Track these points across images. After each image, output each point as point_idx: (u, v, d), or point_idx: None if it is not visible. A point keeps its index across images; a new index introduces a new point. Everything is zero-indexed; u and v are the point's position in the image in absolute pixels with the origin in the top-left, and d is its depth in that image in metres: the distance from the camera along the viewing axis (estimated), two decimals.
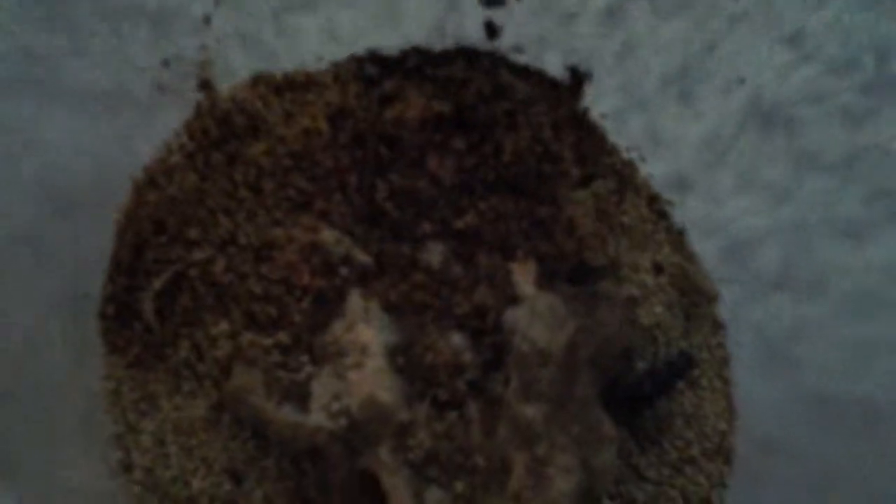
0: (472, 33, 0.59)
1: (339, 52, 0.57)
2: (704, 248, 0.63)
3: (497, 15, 0.59)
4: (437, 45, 0.59)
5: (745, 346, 0.60)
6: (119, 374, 0.48)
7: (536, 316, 0.50)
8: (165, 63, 0.50)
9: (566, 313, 0.51)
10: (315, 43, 0.57)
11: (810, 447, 0.55)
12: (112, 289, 0.48)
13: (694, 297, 0.61)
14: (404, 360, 0.47)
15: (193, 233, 0.50)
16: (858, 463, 0.54)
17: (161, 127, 0.51)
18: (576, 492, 0.46)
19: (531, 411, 0.47)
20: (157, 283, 0.48)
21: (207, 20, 0.51)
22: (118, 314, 0.48)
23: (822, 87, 0.58)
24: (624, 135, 0.63)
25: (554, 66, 0.61)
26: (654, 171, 0.63)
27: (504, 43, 0.60)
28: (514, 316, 0.50)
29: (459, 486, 0.45)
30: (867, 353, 0.56)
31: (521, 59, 0.61)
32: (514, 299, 0.52)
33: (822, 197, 0.58)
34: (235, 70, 0.53)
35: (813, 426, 0.56)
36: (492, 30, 0.58)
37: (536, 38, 0.60)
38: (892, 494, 0.53)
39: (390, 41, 0.59)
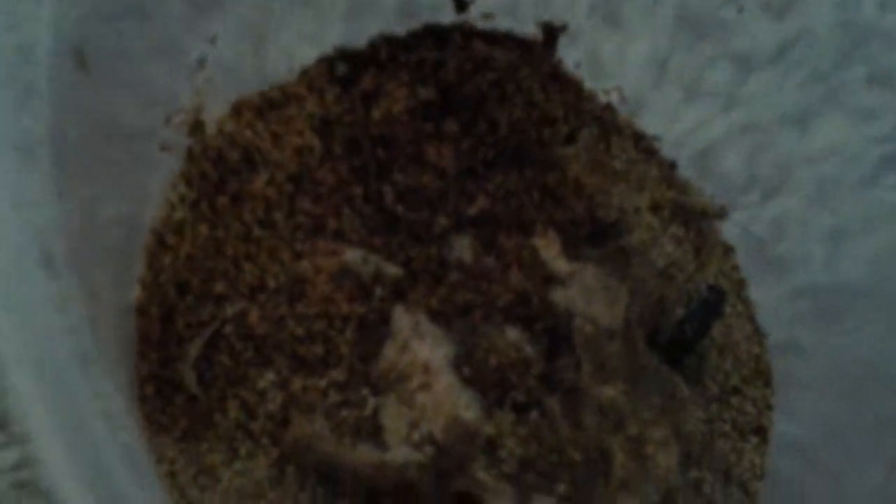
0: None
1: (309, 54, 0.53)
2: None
3: None
4: (404, 29, 0.55)
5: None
6: (170, 454, 0.44)
7: (589, 293, 0.48)
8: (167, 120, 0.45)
9: (615, 282, 0.49)
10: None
11: (820, 343, 0.55)
12: (147, 367, 0.44)
13: (700, 222, 0.60)
14: (469, 369, 0.45)
15: (220, 286, 0.46)
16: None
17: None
18: (679, 463, 0.44)
19: (611, 391, 0.45)
20: (194, 350, 0.44)
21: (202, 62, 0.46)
22: (158, 392, 0.44)
23: None
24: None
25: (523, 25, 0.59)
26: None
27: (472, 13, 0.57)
28: (566, 296, 0.48)
29: (562, 487, 0.43)
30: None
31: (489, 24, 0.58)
32: (549, 277, 0.50)
33: (765, 92, 0.57)
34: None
35: (814, 321, 0.56)
36: (461, 4, 0.55)
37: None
38: None
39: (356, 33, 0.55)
